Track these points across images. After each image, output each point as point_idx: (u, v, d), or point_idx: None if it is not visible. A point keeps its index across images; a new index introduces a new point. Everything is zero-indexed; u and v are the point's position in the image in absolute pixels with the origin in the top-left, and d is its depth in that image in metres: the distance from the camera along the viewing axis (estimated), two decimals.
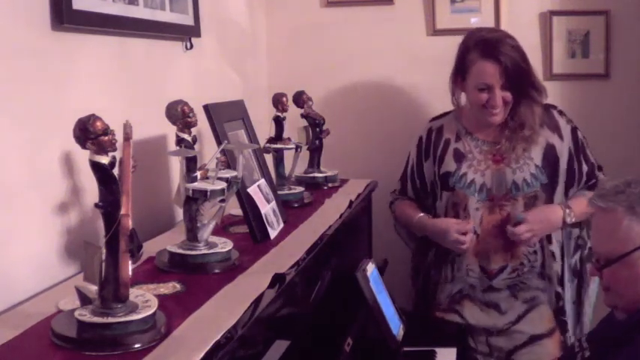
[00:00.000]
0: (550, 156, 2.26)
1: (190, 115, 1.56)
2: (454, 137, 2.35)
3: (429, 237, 2.35)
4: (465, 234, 2.22)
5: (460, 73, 2.27)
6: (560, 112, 2.34)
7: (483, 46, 2.19)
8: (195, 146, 1.59)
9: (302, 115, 2.49)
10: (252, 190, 1.79)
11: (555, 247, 2.29)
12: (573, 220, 2.24)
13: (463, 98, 2.36)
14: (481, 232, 2.26)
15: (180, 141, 1.57)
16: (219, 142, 1.74)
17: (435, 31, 2.89)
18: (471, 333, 2.29)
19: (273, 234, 1.79)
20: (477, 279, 2.28)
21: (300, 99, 2.47)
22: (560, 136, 2.29)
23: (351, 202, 2.21)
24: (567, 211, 2.23)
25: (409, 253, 2.55)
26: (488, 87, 2.18)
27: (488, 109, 2.21)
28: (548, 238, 2.27)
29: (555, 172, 2.27)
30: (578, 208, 2.20)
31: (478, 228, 2.25)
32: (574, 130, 2.31)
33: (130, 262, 1.14)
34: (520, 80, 2.19)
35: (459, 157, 2.32)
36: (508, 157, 2.26)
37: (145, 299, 1.20)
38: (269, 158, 2.22)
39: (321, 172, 2.54)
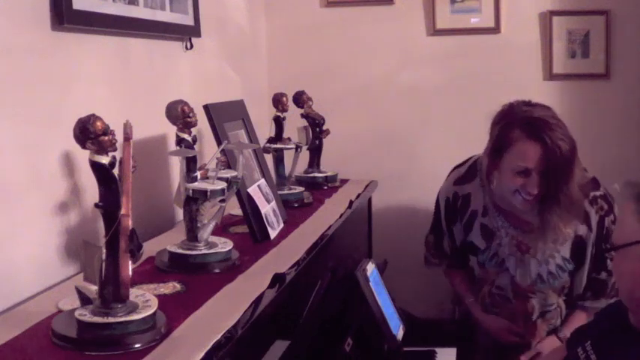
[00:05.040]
0: (578, 248, 2.15)
1: (190, 115, 1.57)
2: (481, 210, 2.21)
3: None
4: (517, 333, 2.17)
5: (497, 151, 2.04)
6: (594, 200, 2.13)
7: (530, 125, 1.97)
8: (195, 146, 1.59)
9: (302, 115, 2.49)
10: (252, 190, 1.79)
11: None
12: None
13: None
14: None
15: (180, 141, 1.57)
16: (219, 142, 1.74)
17: (435, 31, 2.89)
18: None
19: (273, 234, 1.79)
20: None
21: (300, 99, 2.47)
22: (589, 227, 2.13)
23: (351, 202, 2.21)
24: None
25: (409, 253, 2.55)
26: (526, 171, 1.99)
27: (522, 195, 2.02)
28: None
29: (582, 260, 2.17)
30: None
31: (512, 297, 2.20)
32: (602, 220, 2.13)
33: (130, 262, 1.14)
34: (560, 173, 1.97)
35: (488, 234, 2.20)
36: (534, 248, 2.14)
37: (145, 299, 1.20)
38: (269, 158, 2.22)
39: (321, 172, 2.55)
